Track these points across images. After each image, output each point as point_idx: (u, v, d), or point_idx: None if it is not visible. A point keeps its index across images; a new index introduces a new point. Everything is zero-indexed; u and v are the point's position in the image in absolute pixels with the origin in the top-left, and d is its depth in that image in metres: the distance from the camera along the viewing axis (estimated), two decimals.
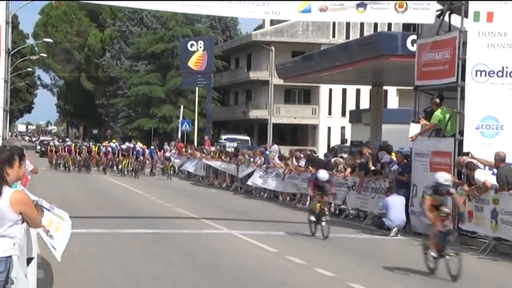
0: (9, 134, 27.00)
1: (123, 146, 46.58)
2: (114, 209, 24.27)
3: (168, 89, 74.30)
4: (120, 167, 44.95)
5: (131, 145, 47.52)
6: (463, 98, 17.84)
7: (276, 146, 36.63)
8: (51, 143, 55.92)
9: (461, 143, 17.78)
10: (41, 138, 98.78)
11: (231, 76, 79.43)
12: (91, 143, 53.69)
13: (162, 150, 47.23)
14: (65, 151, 49.32)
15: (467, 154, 17.43)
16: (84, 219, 20.89)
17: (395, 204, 18.94)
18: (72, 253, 14.35)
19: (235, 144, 50.20)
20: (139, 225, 19.31)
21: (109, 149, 46.48)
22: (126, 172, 43.91)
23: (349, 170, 23.47)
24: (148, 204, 26.29)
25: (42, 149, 71.85)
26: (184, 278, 12.11)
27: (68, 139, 63.26)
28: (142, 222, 20.51)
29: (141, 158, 44.58)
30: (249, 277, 12.43)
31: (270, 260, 14.36)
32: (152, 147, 47.30)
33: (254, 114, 74.69)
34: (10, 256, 6.57)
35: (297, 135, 76.92)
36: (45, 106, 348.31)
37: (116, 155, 46.05)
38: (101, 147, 49.43)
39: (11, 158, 6.82)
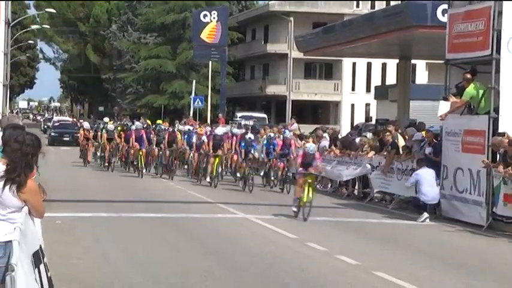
0: (9, 110, 26.79)
1: (217, 131, 29.60)
2: (121, 192, 24.33)
3: (179, 63, 74.23)
4: (208, 169, 28.18)
5: (228, 129, 32.55)
6: (498, 72, 17.69)
7: (295, 124, 36.56)
8: (85, 125, 39.62)
9: (496, 121, 17.64)
10: (56, 117, 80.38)
11: (246, 49, 79.24)
12: (173, 128, 35.57)
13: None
14: (131, 140, 31.85)
15: (503, 134, 17.28)
16: (89, 203, 21.00)
17: (427, 178, 18.81)
18: (77, 237, 14.46)
19: (251, 122, 50.18)
20: (151, 209, 19.36)
21: (203, 138, 29.35)
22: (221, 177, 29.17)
23: (372, 153, 23.34)
24: (161, 188, 26.38)
25: (53, 133, 57.36)
26: (195, 264, 12.11)
27: (137, 121, 40.63)
28: (155, 206, 20.58)
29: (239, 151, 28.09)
30: (265, 264, 12.39)
31: (288, 246, 14.34)
32: (249, 135, 28.32)
33: (271, 90, 74.55)
34: (10, 241, 6.59)
35: (317, 112, 76.77)
36: (48, 81, 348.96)
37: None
38: (188, 133, 32.31)
39: (40, 144, 6.92)
